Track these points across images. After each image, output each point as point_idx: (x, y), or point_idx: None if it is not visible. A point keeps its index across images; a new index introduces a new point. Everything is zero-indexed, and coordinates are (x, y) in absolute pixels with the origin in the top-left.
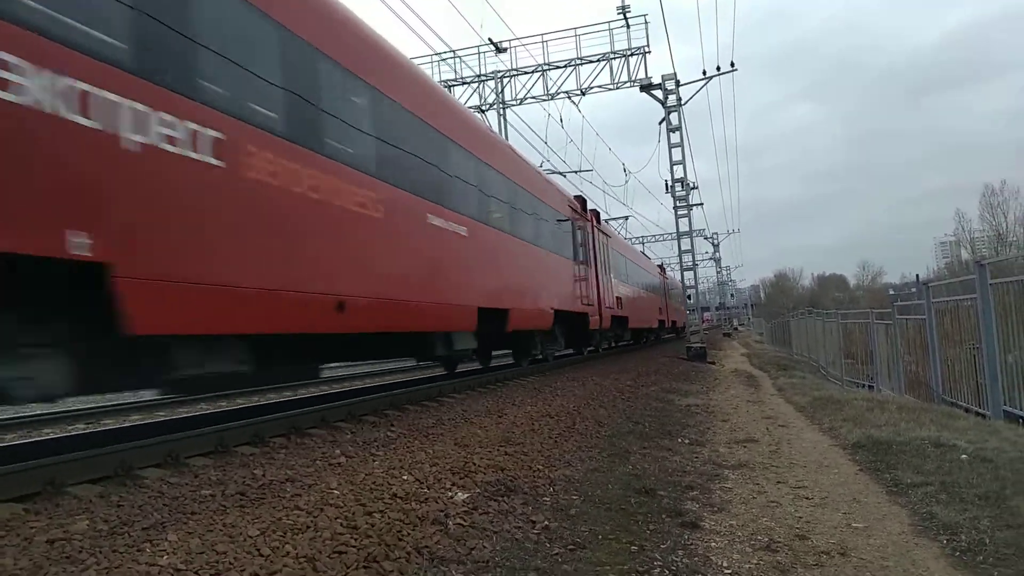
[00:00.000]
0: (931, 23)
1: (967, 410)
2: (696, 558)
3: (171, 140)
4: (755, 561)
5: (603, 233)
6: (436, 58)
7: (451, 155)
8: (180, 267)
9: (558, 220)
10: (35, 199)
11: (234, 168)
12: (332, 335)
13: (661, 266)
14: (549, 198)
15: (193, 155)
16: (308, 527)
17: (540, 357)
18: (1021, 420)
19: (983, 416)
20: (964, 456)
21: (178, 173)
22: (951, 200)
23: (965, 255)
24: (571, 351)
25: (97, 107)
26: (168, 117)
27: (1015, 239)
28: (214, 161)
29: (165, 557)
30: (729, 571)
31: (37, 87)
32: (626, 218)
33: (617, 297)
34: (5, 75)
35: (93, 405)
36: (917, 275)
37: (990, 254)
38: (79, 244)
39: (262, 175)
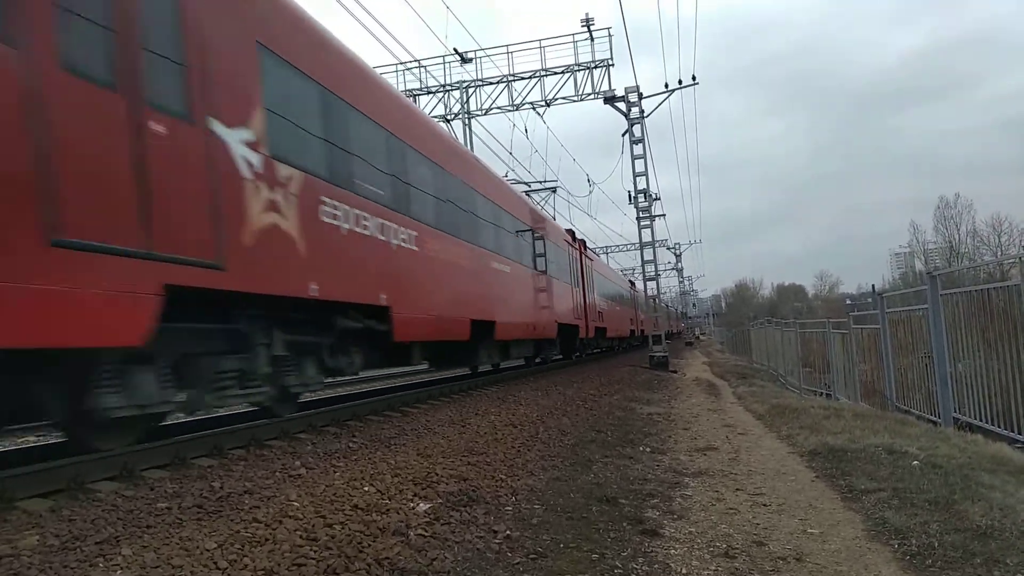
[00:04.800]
0: (886, 47)
1: (919, 417)
2: (656, 565)
3: (404, 239)
4: (713, 567)
5: (587, 258)
6: (401, 67)
7: (507, 221)
8: (410, 306)
9: (559, 251)
10: (374, 279)
11: (422, 250)
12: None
13: (632, 282)
14: (553, 236)
15: (410, 247)
16: (267, 539)
17: (538, 361)
18: (970, 427)
19: (934, 423)
20: (916, 463)
21: (406, 256)
22: (905, 213)
23: (919, 266)
24: (560, 356)
25: (384, 229)
26: (402, 228)
27: (966, 251)
28: (415, 248)
29: (119, 572)
30: None
31: (371, 224)
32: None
33: (599, 311)
34: (365, 221)
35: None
36: (873, 285)
37: (942, 265)
38: (383, 298)
39: (431, 252)
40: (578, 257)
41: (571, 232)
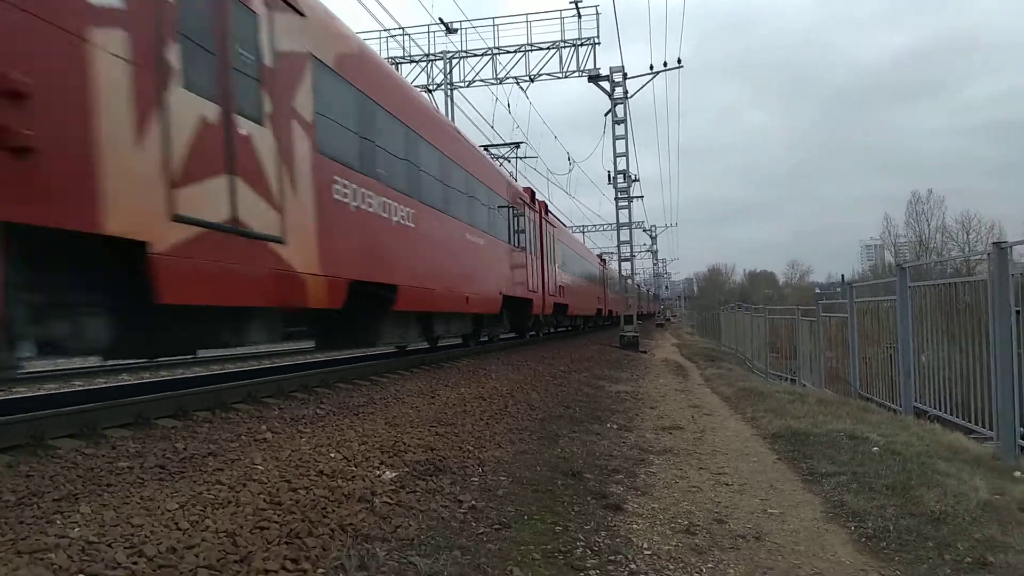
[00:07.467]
0: (871, 46)
1: (881, 405)
2: (618, 539)
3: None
4: (674, 543)
5: (549, 224)
6: (384, 34)
7: (477, 189)
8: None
9: (508, 209)
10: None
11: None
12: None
13: (601, 257)
14: (500, 188)
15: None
16: (230, 502)
17: (485, 339)
18: (929, 416)
19: (895, 411)
20: (875, 449)
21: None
22: (878, 207)
23: (889, 258)
24: (513, 335)
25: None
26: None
27: (935, 245)
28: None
29: (76, 529)
30: (649, 552)
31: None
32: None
33: (560, 286)
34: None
35: None
36: (843, 275)
37: (912, 258)
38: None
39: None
40: (537, 222)
41: (530, 190)
